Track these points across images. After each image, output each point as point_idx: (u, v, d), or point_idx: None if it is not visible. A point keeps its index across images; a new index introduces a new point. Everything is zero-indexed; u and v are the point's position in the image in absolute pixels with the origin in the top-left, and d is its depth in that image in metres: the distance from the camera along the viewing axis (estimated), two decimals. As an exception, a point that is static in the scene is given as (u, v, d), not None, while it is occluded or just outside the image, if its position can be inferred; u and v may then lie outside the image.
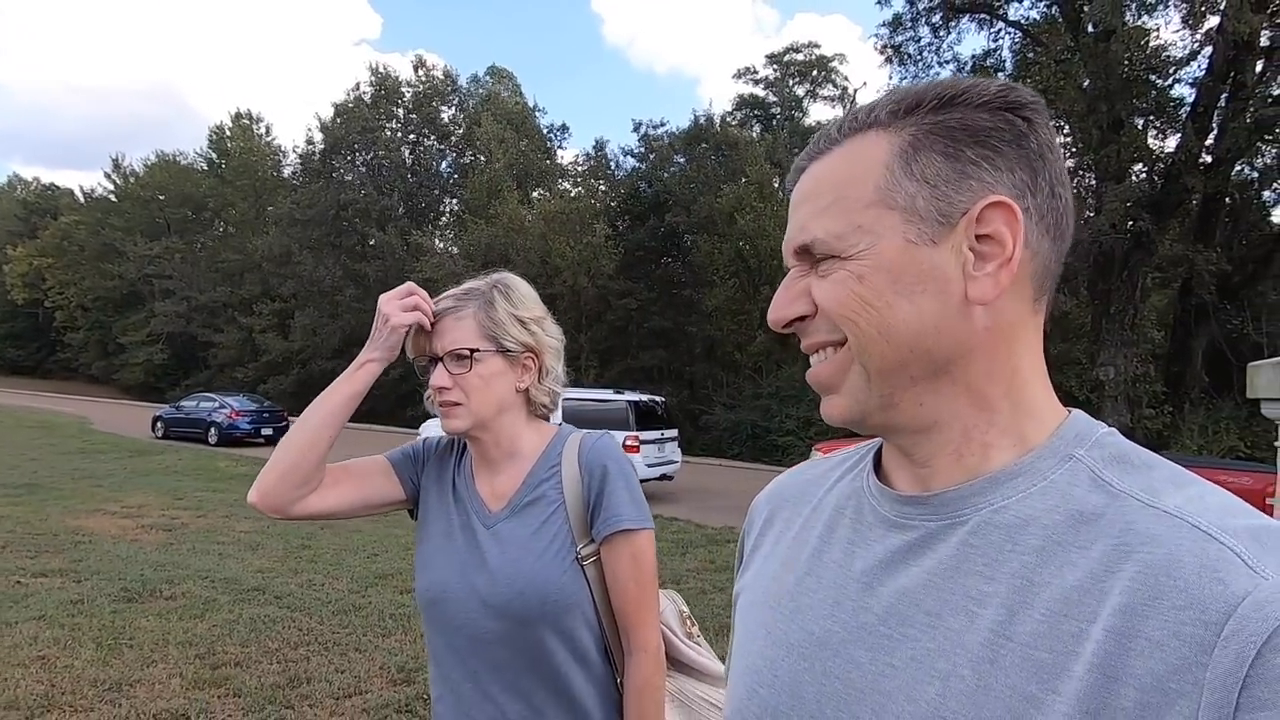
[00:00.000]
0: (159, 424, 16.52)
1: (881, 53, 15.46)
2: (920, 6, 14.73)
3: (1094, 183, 13.53)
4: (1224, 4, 9.96)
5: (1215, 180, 12.19)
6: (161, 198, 36.64)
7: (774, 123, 25.89)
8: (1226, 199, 13.25)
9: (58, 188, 49.43)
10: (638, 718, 1.00)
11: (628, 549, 1.01)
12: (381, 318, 1.03)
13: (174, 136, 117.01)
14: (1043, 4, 14.07)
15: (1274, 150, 13.40)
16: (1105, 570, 0.39)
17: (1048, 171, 0.46)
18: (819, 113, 27.05)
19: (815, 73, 26.53)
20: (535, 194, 26.14)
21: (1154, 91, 12.92)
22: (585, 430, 1.11)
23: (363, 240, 27.29)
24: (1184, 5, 11.40)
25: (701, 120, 23.99)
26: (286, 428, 17.06)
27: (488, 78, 32.52)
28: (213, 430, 15.54)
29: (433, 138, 29.95)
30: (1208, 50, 12.20)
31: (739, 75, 25.87)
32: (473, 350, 1.03)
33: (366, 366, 1.04)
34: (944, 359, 0.46)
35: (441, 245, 26.59)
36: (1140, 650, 0.36)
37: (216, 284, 32.42)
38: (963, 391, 0.46)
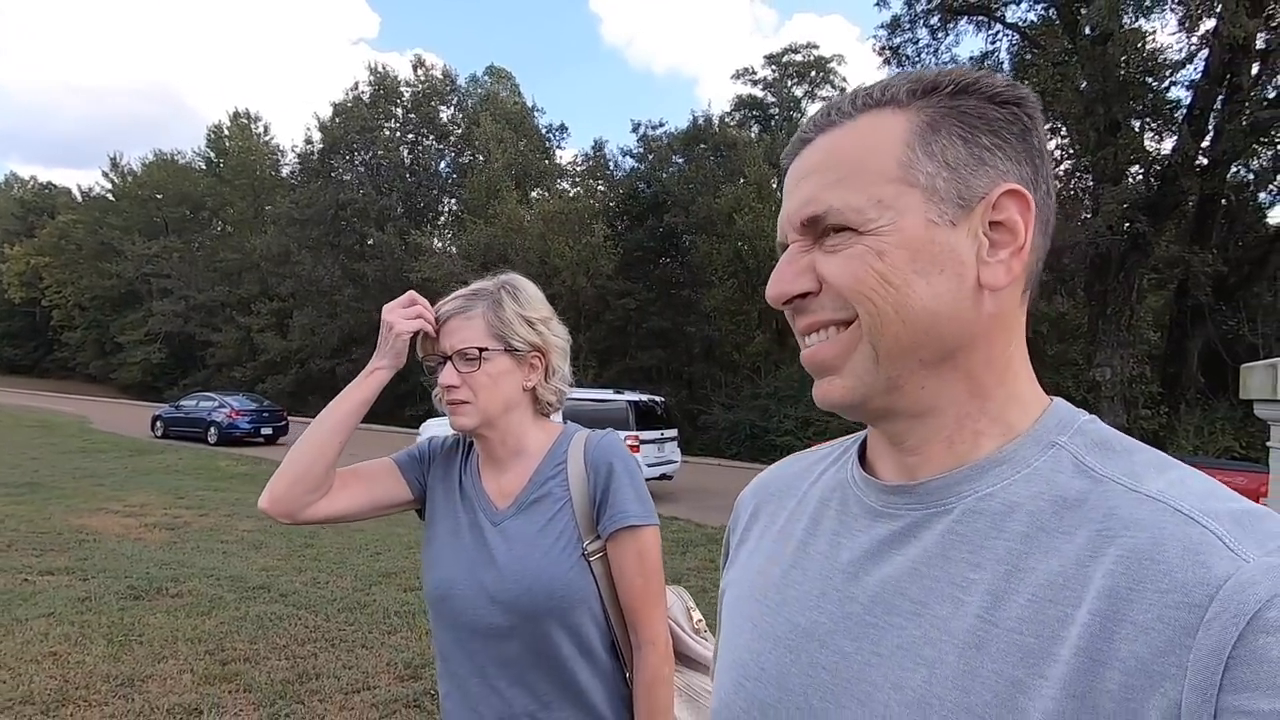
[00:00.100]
0: (158, 423, 16.53)
1: (880, 54, 15.53)
2: (918, 8, 14.81)
3: (1091, 184, 13.63)
4: (1220, 7, 10.04)
5: (1211, 182, 12.28)
6: (159, 197, 36.60)
7: (772, 123, 25.95)
8: (1222, 200, 13.34)
9: (55, 186, 49.33)
10: (648, 710, 1.02)
11: (634, 545, 1.02)
12: (386, 326, 1.07)
13: (171, 136, 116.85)
14: (1040, 6, 14.17)
15: (1270, 152, 13.50)
16: (1089, 555, 0.39)
17: (1045, 169, 0.47)
18: (817, 114, 27.06)
19: (814, 73, 26.60)
20: (534, 194, 26.18)
21: (1150, 94, 13.01)
22: (591, 430, 1.13)
23: (361, 240, 27.29)
24: (1180, 8, 11.47)
25: (700, 121, 24.07)
26: (286, 427, 17.10)
27: (486, 77, 32.55)
28: (212, 430, 15.56)
29: (431, 137, 29.96)
30: (1204, 53, 12.30)
31: (737, 76, 25.98)
32: (481, 349, 1.05)
33: (375, 374, 1.07)
34: (953, 344, 0.46)
35: (440, 245, 26.61)
36: (1125, 634, 0.37)
37: (215, 283, 32.40)
38: (962, 378, 0.46)
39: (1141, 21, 12.24)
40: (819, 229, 0.47)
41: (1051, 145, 15.65)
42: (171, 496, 8.57)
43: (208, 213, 36.33)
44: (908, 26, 15.00)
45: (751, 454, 16.86)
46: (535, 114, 30.67)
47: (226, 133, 35.90)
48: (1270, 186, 14.50)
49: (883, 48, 15.40)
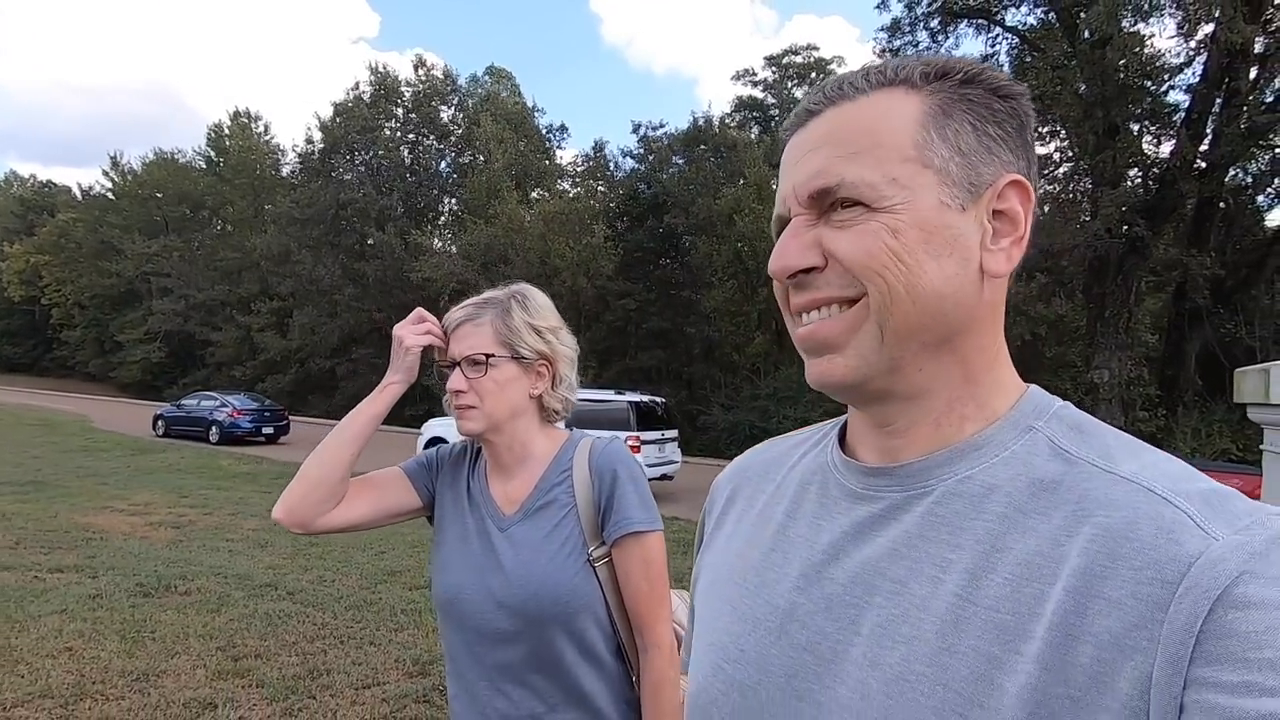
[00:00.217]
0: (160, 422, 16.55)
1: (880, 57, 15.59)
2: (918, 11, 14.87)
3: (1090, 187, 13.70)
4: (1218, 13, 10.11)
5: (1209, 185, 12.35)
6: (159, 196, 36.58)
7: (772, 125, 25.99)
8: (1221, 204, 13.41)
9: (55, 185, 49.29)
10: (655, 712, 1.03)
11: (639, 550, 1.04)
12: (397, 342, 1.11)
13: (170, 135, 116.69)
14: (1040, 10, 14.23)
15: (1268, 156, 13.57)
16: (1065, 534, 0.40)
17: (1035, 166, 0.48)
18: (817, 115, 27.12)
19: (814, 75, 26.63)
20: (534, 194, 26.22)
21: (1149, 98, 13.08)
22: (596, 435, 1.15)
23: (361, 239, 27.31)
24: (1179, 13, 11.55)
25: (700, 122, 24.12)
26: (287, 427, 17.13)
27: (487, 78, 32.59)
28: (214, 429, 15.58)
29: (432, 137, 29.97)
30: (1202, 57, 12.37)
31: (737, 77, 26.04)
32: (488, 355, 1.07)
33: (389, 389, 1.11)
34: (954, 327, 0.46)
35: (440, 245, 26.63)
36: (1099, 609, 0.37)
37: (215, 282, 32.41)
38: (957, 362, 0.47)
39: (1140, 25, 12.32)
40: (827, 202, 0.46)
41: (1050, 148, 15.75)
42: (175, 495, 8.61)
43: (208, 212, 36.33)
44: (908, 29, 15.05)
45: (751, 454, 16.88)
46: (535, 114, 30.73)
47: (227, 132, 35.91)
48: (1268, 190, 14.59)
49: (883, 50, 15.46)
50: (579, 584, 1.02)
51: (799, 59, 26.71)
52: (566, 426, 1.20)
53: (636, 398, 10.68)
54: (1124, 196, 12.02)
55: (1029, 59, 14.37)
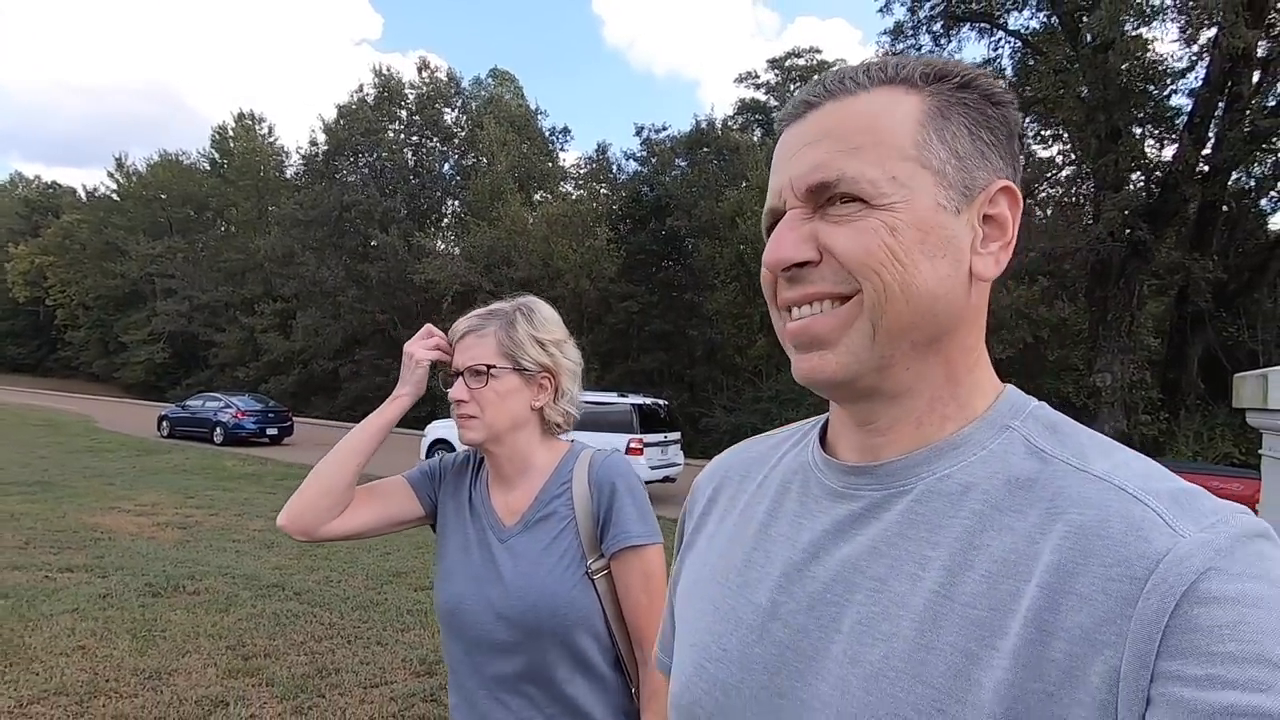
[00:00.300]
0: (164, 423, 16.63)
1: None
2: (921, 15, 14.93)
3: (1092, 191, 13.74)
4: (1220, 17, 10.15)
5: (1212, 189, 12.38)
6: (164, 197, 36.73)
7: (775, 127, 26.02)
8: (1223, 207, 13.43)
9: (60, 186, 49.54)
10: None
11: (638, 564, 1.04)
12: (407, 357, 1.14)
13: (173, 136, 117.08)
14: (1042, 14, 14.28)
15: (1271, 159, 13.59)
16: (1039, 531, 0.41)
17: (1021, 174, 0.49)
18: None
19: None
20: (537, 196, 26.29)
21: (1151, 102, 13.11)
22: (596, 448, 1.16)
23: (365, 241, 27.39)
24: (1181, 18, 11.58)
25: (703, 124, 24.16)
26: (291, 428, 17.18)
27: (490, 80, 32.71)
28: (218, 430, 15.65)
29: (435, 139, 30.06)
30: (1205, 61, 12.40)
31: (740, 80, 26.06)
32: (489, 366, 1.08)
33: (397, 401, 1.14)
34: (944, 328, 0.47)
35: (443, 247, 26.72)
36: (1071, 605, 0.38)
37: (218, 283, 32.53)
38: (942, 362, 0.47)
39: (1143, 30, 12.36)
40: (824, 197, 0.46)
41: (1053, 151, 15.81)
42: (181, 496, 8.66)
43: (212, 213, 36.46)
44: (910, 33, 15.11)
45: (753, 457, 16.90)
46: (538, 117, 30.83)
47: (231, 134, 36.05)
48: (1271, 193, 14.60)
49: (885, 53, 15.48)
50: (577, 597, 1.03)
51: (801, 61, 26.74)
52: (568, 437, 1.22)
53: (639, 400, 10.72)
54: (1126, 200, 12.05)
55: (1031, 62, 14.42)
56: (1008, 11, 14.56)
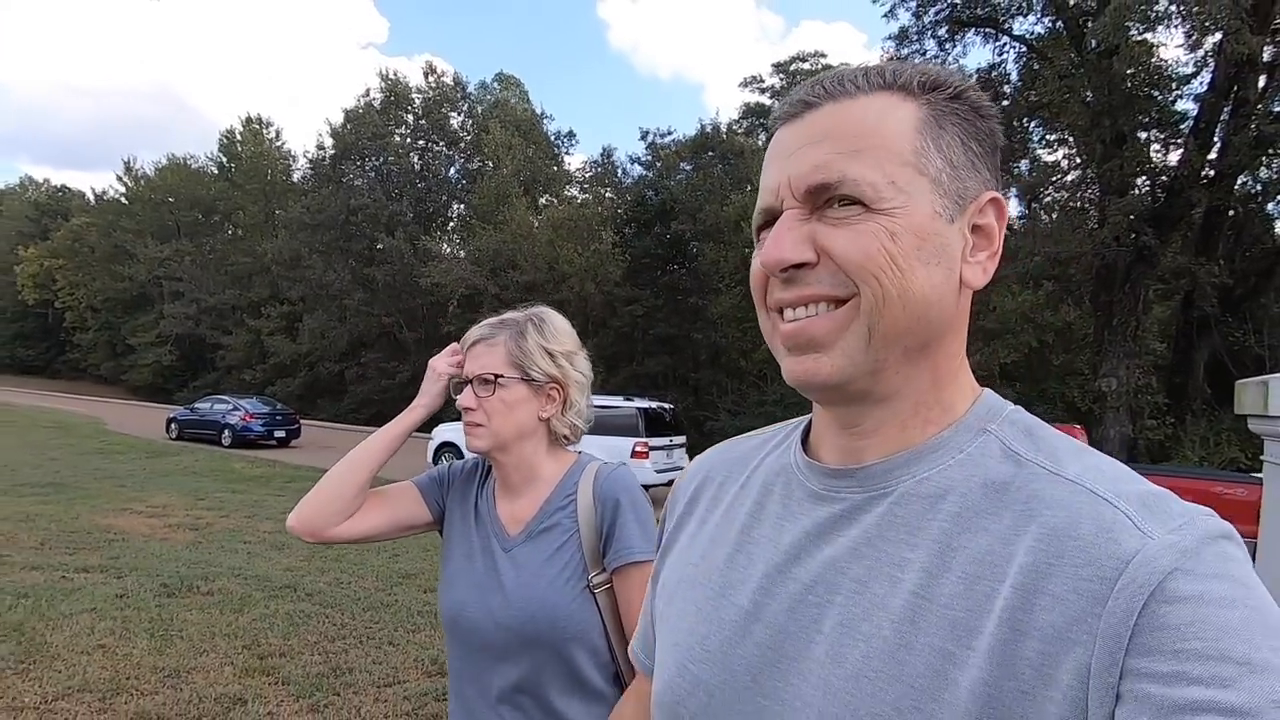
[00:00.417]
0: (173, 425, 16.76)
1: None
2: (926, 20, 14.96)
3: (1097, 196, 13.75)
4: (1224, 22, 10.18)
5: (1218, 193, 12.37)
6: (172, 200, 37.01)
7: (769, 125, 26.04)
8: (1230, 212, 13.42)
9: (69, 189, 49.98)
10: None
11: (640, 579, 1.03)
12: (430, 369, 1.18)
13: (181, 138, 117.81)
14: (1047, 19, 14.31)
15: (1277, 164, 13.58)
16: (1014, 533, 0.42)
17: (1003, 186, 0.53)
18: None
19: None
20: (542, 200, 26.41)
21: (1157, 107, 13.12)
22: (603, 460, 1.16)
23: (371, 245, 27.55)
24: (1186, 23, 11.61)
25: (708, 129, 24.23)
26: (298, 431, 17.30)
27: (496, 84, 32.90)
28: (226, 432, 15.76)
29: (441, 144, 30.24)
30: (1210, 66, 12.41)
31: (745, 84, 26.05)
32: (498, 375, 1.09)
33: (413, 412, 1.17)
34: (934, 334, 0.47)
35: (449, 250, 26.85)
36: (1044, 605, 0.39)
37: (225, 286, 32.77)
38: (929, 367, 0.48)
39: (1148, 34, 12.38)
40: (823, 198, 0.46)
41: (1058, 156, 15.82)
42: (192, 498, 8.74)
43: (219, 216, 36.74)
44: (915, 38, 15.14)
45: (758, 460, 16.91)
46: (544, 121, 30.97)
47: (239, 138, 36.33)
48: (1278, 198, 14.58)
49: (890, 59, 15.52)
50: (576, 610, 1.03)
51: (806, 65, 26.74)
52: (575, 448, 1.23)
53: (645, 404, 10.77)
54: (1131, 205, 12.05)
55: (1036, 67, 14.45)
56: (1012, 17, 14.59)
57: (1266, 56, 11.44)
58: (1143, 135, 13.47)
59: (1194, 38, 12.00)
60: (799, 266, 0.46)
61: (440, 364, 1.17)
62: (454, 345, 1.20)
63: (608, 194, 25.95)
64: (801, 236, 0.46)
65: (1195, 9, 10.60)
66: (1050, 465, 0.44)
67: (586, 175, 28.03)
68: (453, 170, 30.43)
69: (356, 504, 1.11)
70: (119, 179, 39.80)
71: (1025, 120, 15.14)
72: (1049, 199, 16.05)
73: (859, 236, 0.45)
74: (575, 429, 1.15)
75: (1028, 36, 14.73)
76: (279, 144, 36.60)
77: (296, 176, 34.64)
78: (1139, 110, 12.74)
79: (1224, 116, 12.24)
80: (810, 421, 0.57)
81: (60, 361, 43.66)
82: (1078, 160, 14.83)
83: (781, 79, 26.93)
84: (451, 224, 30.31)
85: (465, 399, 1.11)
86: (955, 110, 0.47)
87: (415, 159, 29.92)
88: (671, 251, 22.45)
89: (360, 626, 4.29)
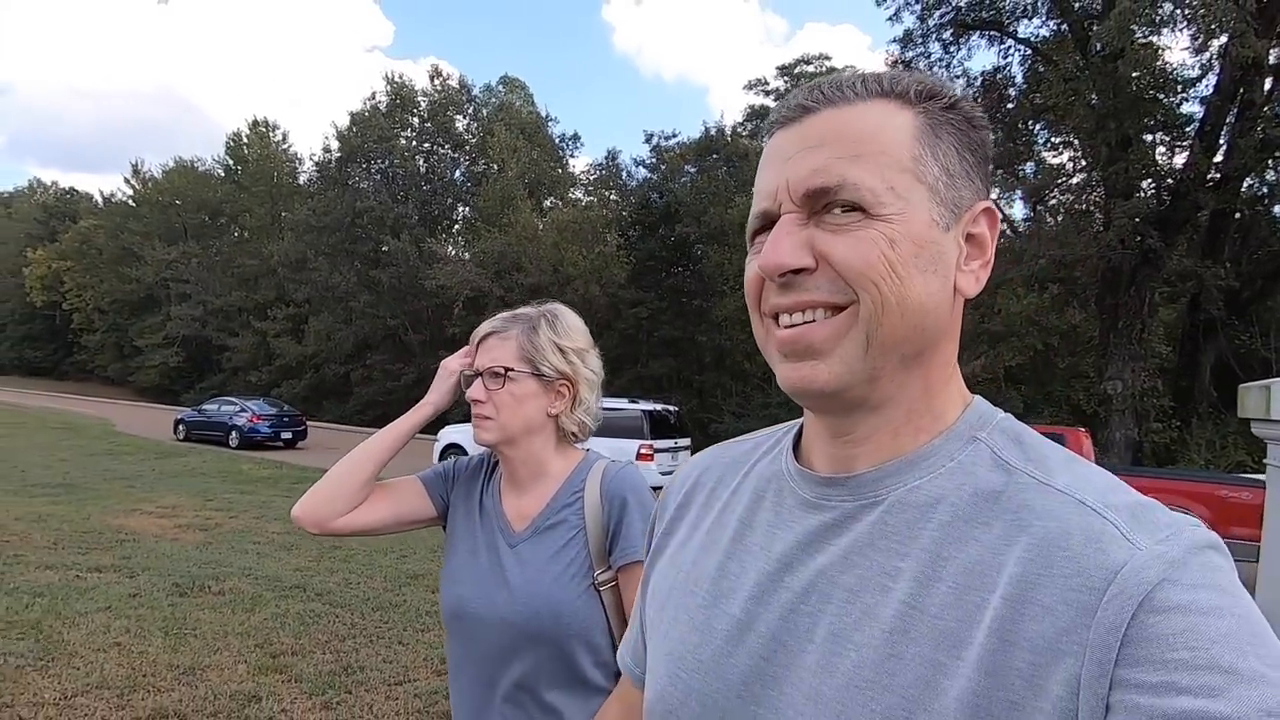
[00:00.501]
0: (181, 426, 16.87)
1: (892, 68, 15.65)
2: (931, 23, 14.97)
3: (1102, 199, 13.73)
4: (1230, 25, 10.17)
5: (1224, 196, 12.34)
6: (179, 203, 37.25)
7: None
8: (1236, 215, 13.39)
9: (77, 192, 50.39)
10: None
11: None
12: (441, 368, 1.19)
13: (188, 140, 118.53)
14: (1052, 22, 14.31)
15: (1285, 166, 13.53)
16: (1004, 543, 0.42)
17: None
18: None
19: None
20: (547, 203, 26.51)
21: (1162, 110, 13.10)
22: (610, 459, 1.16)
23: (377, 247, 27.68)
24: (1192, 26, 11.60)
25: (712, 131, 24.27)
26: (305, 432, 17.38)
27: (500, 87, 33.02)
28: (233, 433, 15.86)
29: (447, 146, 30.36)
30: (1216, 69, 12.40)
31: (750, 86, 26.08)
32: (508, 369, 1.09)
33: (421, 410, 1.18)
34: (930, 341, 0.47)
35: (454, 252, 26.95)
36: (1033, 615, 0.39)
37: (232, 288, 32.94)
38: (922, 375, 0.48)
39: (1153, 38, 12.37)
40: (822, 203, 0.45)
41: (1064, 158, 15.81)
42: (200, 499, 8.81)
43: (226, 219, 36.94)
44: (920, 41, 15.16)
45: (762, 463, 16.92)
46: (549, 123, 31.09)
47: (245, 141, 36.54)
48: (1285, 201, 14.53)
49: (895, 61, 15.55)
50: (580, 606, 1.03)
51: (811, 68, 26.78)
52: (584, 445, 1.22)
53: (650, 406, 10.82)
54: (1137, 208, 12.04)
55: (1041, 70, 14.45)
56: (1017, 20, 14.60)
57: (1272, 59, 11.42)
58: (1148, 138, 13.46)
59: (1199, 41, 11.98)
60: (797, 272, 0.46)
61: (453, 362, 1.18)
62: (468, 348, 1.20)
63: (612, 197, 26.02)
64: (800, 242, 0.46)
65: (1200, 12, 10.60)
66: (1040, 475, 0.44)
67: (591, 178, 28.15)
68: (458, 173, 30.54)
69: (361, 497, 1.12)
70: (127, 181, 40.14)
71: (1030, 123, 15.14)
72: (1054, 201, 16.05)
73: (859, 243, 0.44)
74: (584, 426, 1.15)
75: (1033, 39, 14.73)
76: (285, 147, 36.81)
77: (302, 179, 34.82)
78: (1144, 113, 12.73)
79: (1230, 119, 12.22)
80: (802, 427, 0.56)
81: (68, 363, 43.94)
82: (1083, 163, 14.81)
83: (786, 81, 26.96)
84: (456, 226, 30.43)
85: (475, 391, 1.11)
86: (950, 120, 0.47)
87: (420, 162, 30.04)
88: (676, 254, 22.49)
89: (370, 626, 4.34)
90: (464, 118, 30.75)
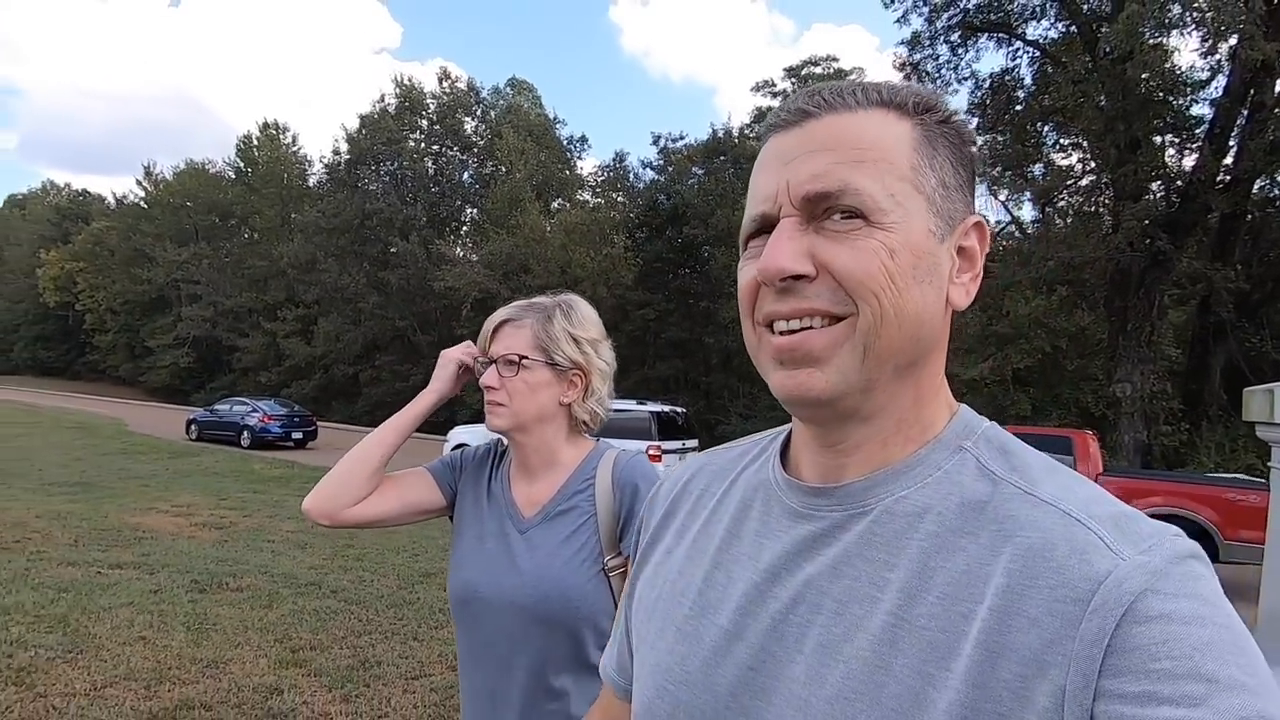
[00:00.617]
0: (193, 426, 17.05)
1: (900, 70, 15.68)
2: (939, 25, 14.98)
3: (1111, 200, 13.70)
4: (1240, 27, 10.16)
5: (1235, 198, 12.30)
6: (190, 205, 37.58)
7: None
8: (1247, 216, 13.33)
9: (90, 194, 50.89)
10: None
11: None
12: (441, 357, 1.20)
13: (197, 142, 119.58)
14: (1061, 24, 14.30)
15: (1295, 168, 13.45)
16: (990, 554, 0.42)
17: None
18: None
19: (835, 82, 26.71)
20: (555, 204, 26.62)
21: (1171, 112, 13.07)
22: (621, 448, 1.17)
23: (385, 248, 27.89)
24: (1201, 28, 11.58)
25: (720, 133, 24.33)
26: (315, 433, 17.53)
27: (509, 89, 33.19)
28: (245, 433, 16.02)
29: (455, 148, 30.54)
30: (1226, 71, 12.36)
31: (757, 88, 26.13)
32: (522, 357, 1.10)
33: (425, 397, 1.18)
34: (922, 352, 0.47)
35: (463, 254, 27.11)
36: (1020, 627, 0.39)
37: (242, 289, 33.23)
38: (913, 385, 0.48)
39: (1162, 38, 12.35)
40: (822, 208, 0.45)
41: (1072, 160, 15.77)
42: (214, 498, 8.93)
43: (236, 220, 37.24)
44: (927, 43, 15.16)
45: (769, 464, 16.93)
46: (556, 125, 31.21)
47: (256, 143, 36.85)
48: (1296, 202, 14.45)
49: (903, 63, 15.58)
50: (590, 590, 1.04)
51: (818, 70, 26.79)
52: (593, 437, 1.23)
53: (658, 407, 10.88)
54: (1146, 210, 12.02)
55: (1050, 71, 14.44)
56: (1025, 22, 14.59)
57: (1283, 61, 11.38)
58: (1157, 140, 13.42)
59: (1209, 43, 11.96)
60: (797, 278, 0.45)
61: (453, 352, 1.20)
62: (468, 342, 1.22)
63: (620, 198, 26.13)
64: (801, 248, 0.45)
65: (1209, 15, 10.59)
66: (1024, 485, 0.44)
67: (599, 180, 28.28)
68: (466, 175, 30.71)
69: (370, 487, 1.12)
70: (138, 183, 40.53)
71: (1039, 124, 15.12)
72: (1063, 203, 16.01)
73: (860, 254, 0.44)
74: (595, 416, 1.16)
75: (1041, 41, 14.72)
76: (295, 149, 37.12)
77: (312, 181, 35.10)
78: (1154, 115, 12.70)
79: (1240, 121, 12.18)
80: (789, 435, 0.56)
81: (80, 363, 44.39)
82: (1092, 165, 14.77)
83: (793, 83, 26.96)
84: (465, 228, 30.60)
85: (489, 378, 1.12)
86: (945, 133, 0.48)
87: (429, 164, 30.23)
88: (683, 256, 22.56)
89: (385, 622, 4.42)
90: (472, 120, 30.93)
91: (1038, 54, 14.90)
